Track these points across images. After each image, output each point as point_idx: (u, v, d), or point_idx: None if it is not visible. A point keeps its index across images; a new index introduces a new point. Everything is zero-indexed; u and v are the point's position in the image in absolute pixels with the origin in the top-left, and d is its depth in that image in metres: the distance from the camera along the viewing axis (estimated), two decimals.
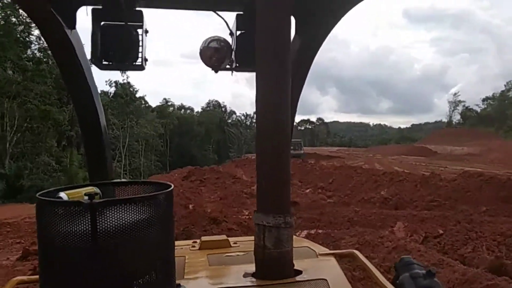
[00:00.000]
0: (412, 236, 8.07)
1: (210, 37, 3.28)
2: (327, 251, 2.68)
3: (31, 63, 39.80)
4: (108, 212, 1.42)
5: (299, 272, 2.15)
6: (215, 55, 3.22)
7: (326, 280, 2.08)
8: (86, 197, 1.46)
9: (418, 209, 10.92)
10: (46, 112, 37.76)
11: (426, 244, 7.70)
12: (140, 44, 3.25)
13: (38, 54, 40.62)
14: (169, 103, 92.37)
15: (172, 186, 1.68)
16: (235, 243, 2.87)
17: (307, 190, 17.73)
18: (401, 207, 11.29)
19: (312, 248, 2.69)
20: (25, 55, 39.53)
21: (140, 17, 3.23)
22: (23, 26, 37.25)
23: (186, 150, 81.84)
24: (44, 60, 39.50)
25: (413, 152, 73.63)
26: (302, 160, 41.83)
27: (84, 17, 3.17)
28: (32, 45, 40.52)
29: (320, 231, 9.70)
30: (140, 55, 3.25)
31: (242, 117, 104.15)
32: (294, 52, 3.07)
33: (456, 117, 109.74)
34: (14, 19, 36.01)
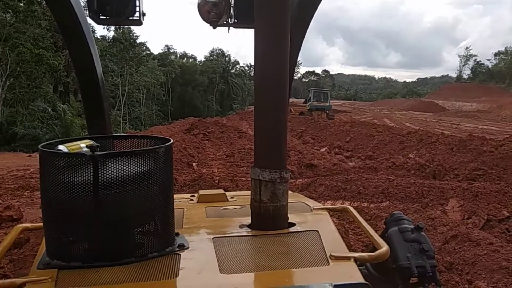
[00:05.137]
0: (471, 218, 6.52)
1: None
2: (322, 206, 2.72)
3: (22, 3, 37.26)
4: (109, 164, 1.48)
5: (292, 224, 2.23)
6: (213, 10, 3.12)
7: (317, 231, 2.12)
8: (86, 149, 1.63)
9: (460, 178, 9.37)
10: (40, 56, 35.64)
11: (490, 230, 6.18)
12: None
13: None
14: (171, 51, 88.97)
15: (172, 140, 1.79)
16: (232, 197, 2.90)
17: (323, 149, 16.10)
18: (440, 176, 9.69)
19: (307, 203, 2.73)
20: None
21: None
22: None
23: (188, 99, 79.95)
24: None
25: (421, 107, 71.96)
26: (327, 114, 33.72)
27: None
28: None
29: (347, 203, 8.20)
30: (137, 9, 3.29)
31: (246, 68, 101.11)
32: (293, 8, 3.07)
33: (466, 72, 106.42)
34: None
